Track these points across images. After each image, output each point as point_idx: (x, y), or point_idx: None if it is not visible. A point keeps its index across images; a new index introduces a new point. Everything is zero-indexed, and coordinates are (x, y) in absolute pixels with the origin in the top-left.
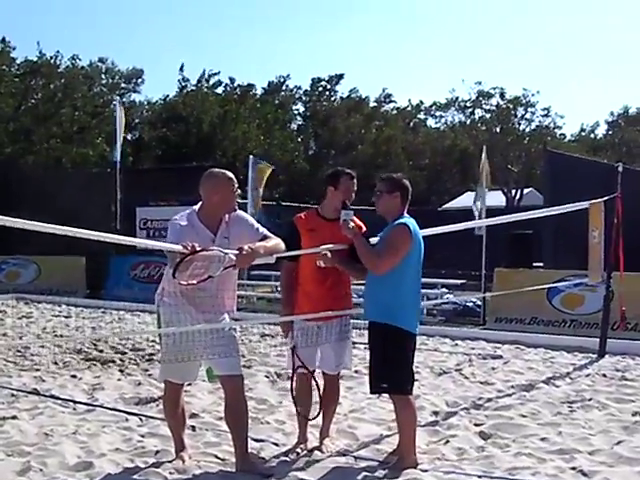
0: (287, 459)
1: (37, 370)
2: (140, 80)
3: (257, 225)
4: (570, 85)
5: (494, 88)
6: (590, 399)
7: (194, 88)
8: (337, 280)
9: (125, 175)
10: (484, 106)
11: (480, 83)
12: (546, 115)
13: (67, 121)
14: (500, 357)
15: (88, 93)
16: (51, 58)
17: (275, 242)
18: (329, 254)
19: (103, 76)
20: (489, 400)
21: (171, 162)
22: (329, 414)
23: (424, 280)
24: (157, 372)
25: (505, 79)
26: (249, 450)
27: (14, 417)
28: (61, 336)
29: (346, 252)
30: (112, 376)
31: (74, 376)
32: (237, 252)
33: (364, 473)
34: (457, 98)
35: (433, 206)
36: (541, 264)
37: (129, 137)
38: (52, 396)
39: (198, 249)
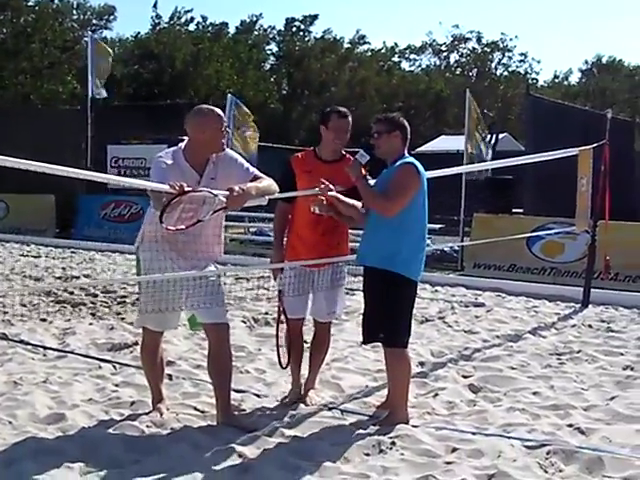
0: (270, 412)
1: (5, 313)
2: (112, 17)
3: (247, 165)
4: (544, 32)
5: (471, 32)
6: (579, 351)
7: (166, 26)
8: (332, 226)
9: (96, 112)
10: (460, 50)
11: (457, 26)
12: (523, 61)
13: (36, 56)
14: (483, 305)
15: (58, 28)
16: None
17: (267, 183)
18: (324, 200)
19: (74, 12)
20: (476, 350)
21: (143, 100)
22: (316, 364)
23: None
24: (131, 316)
25: (483, 23)
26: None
27: None
28: (30, 277)
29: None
30: (83, 320)
31: (44, 319)
32: (227, 193)
33: (353, 429)
34: (433, 41)
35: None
36: (521, 210)
37: None
38: (21, 341)
39: (187, 189)
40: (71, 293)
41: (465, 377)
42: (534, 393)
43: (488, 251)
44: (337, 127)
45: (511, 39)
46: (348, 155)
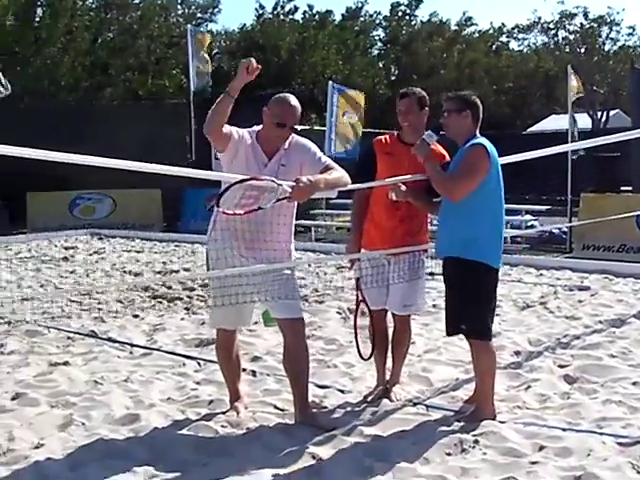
0: (352, 409)
1: (99, 310)
2: (217, 10)
3: (320, 154)
4: None
5: (577, 7)
6: None
7: (270, 16)
8: (411, 213)
9: (200, 105)
10: (567, 27)
11: (562, 2)
12: (632, 34)
13: (143, 52)
14: (587, 288)
15: (164, 24)
16: None
17: (338, 174)
18: (403, 187)
19: (179, 7)
20: (575, 338)
21: (250, 91)
22: (399, 358)
23: (507, 207)
24: None
25: None
26: (310, 398)
27: (66, 363)
28: (130, 272)
29: (422, 185)
30: (176, 315)
31: (136, 316)
32: (294, 184)
33: (436, 426)
34: (539, 19)
35: (517, 130)
36: (629, 188)
37: None
38: (109, 339)
39: (248, 177)
40: (169, 287)
41: (562, 367)
42: (634, 383)
43: (597, 231)
44: (398, 109)
45: (618, 12)
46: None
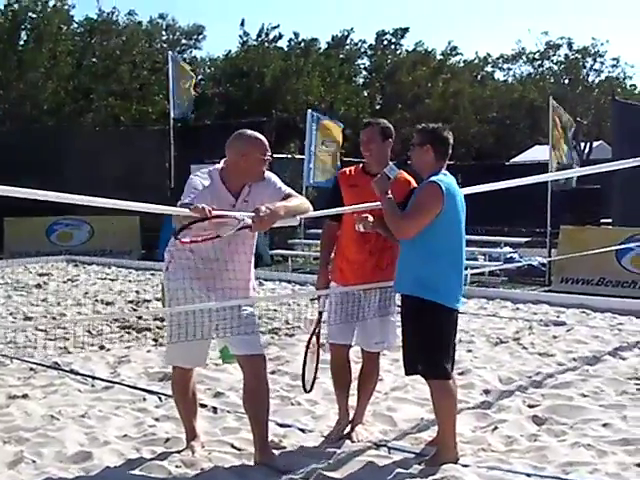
0: (312, 450)
1: (66, 340)
2: (201, 36)
3: (280, 184)
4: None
5: (561, 38)
6: None
7: (255, 43)
8: (381, 246)
9: (181, 132)
10: (552, 57)
11: (547, 33)
12: (615, 65)
13: (126, 78)
14: (563, 323)
15: (147, 49)
16: (108, 15)
17: (298, 201)
18: (370, 217)
19: (163, 32)
20: (548, 376)
21: (233, 118)
22: (365, 397)
23: (486, 239)
24: None
25: (573, 29)
26: (270, 438)
27: (25, 396)
28: (102, 301)
29: None
30: (143, 347)
31: (102, 347)
32: (253, 215)
33: (397, 469)
34: (524, 50)
35: (502, 160)
36: (609, 221)
37: None
38: (72, 371)
39: (213, 214)
40: (139, 317)
41: (531, 407)
42: (604, 425)
43: (576, 264)
44: (361, 138)
45: (602, 44)
46: (399, 170)
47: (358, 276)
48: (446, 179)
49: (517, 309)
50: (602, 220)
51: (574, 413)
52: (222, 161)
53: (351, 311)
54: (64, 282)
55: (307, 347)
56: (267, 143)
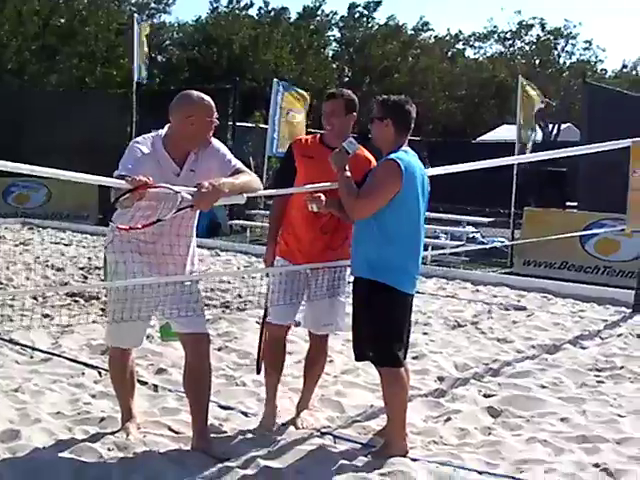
0: (253, 436)
1: (11, 307)
2: (171, 1)
3: (230, 157)
4: (610, 18)
5: (534, 18)
6: (621, 367)
7: (226, 10)
8: (334, 224)
9: (145, 97)
10: (524, 37)
11: (520, 12)
12: (587, 48)
13: (91, 40)
14: (524, 308)
15: (115, 11)
16: None
17: (246, 178)
18: (323, 197)
19: None
20: (505, 364)
21: (200, 85)
22: (311, 381)
23: (448, 217)
24: None
25: (546, 9)
26: (210, 421)
27: None
28: (52, 267)
29: None
30: (89, 316)
31: (47, 315)
32: (195, 190)
33: (341, 460)
34: (496, 28)
35: (469, 138)
36: (575, 204)
37: (159, 59)
38: (10, 340)
39: (146, 184)
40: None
41: (487, 396)
42: (562, 419)
43: (539, 247)
44: (323, 110)
45: (574, 26)
46: (358, 145)
47: (307, 256)
48: (406, 156)
49: (477, 291)
50: (567, 203)
51: (531, 405)
52: (166, 127)
53: (297, 290)
54: (16, 245)
55: (262, 327)
56: (214, 105)
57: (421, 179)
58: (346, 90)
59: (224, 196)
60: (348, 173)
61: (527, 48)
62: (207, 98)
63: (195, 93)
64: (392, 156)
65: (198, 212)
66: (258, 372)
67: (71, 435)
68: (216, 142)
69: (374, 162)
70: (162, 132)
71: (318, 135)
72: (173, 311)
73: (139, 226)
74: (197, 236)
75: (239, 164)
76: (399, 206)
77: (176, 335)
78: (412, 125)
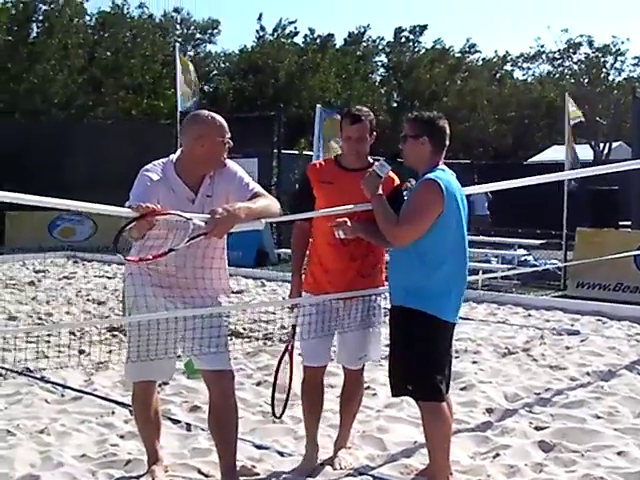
0: (287, 476)
1: (47, 342)
2: (216, 31)
3: (248, 180)
4: None
5: (581, 36)
6: None
7: (271, 38)
8: (363, 249)
9: None
10: (572, 56)
11: (567, 31)
12: (637, 64)
13: (137, 72)
14: (577, 333)
15: (161, 43)
16: (118, 8)
17: (264, 202)
18: (348, 222)
19: (178, 27)
20: (558, 393)
21: (247, 113)
22: (348, 418)
23: (499, 240)
24: None
25: (593, 26)
26: (243, 462)
27: None
28: (93, 300)
29: (372, 215)
30: (126, 351)
31: (82, 351)
32: (209, 217)
33: None
34: (543, 47)
35: (519, 160)
36: (628, 223)
37: (205, 88)
38: (42, 378)
39: (152, 210)
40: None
41: (538, 429)
42: (619, 453)
43: (593, 269)
44: (348, 136)
45: (622, 42)
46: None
47: (337, 286)
48: (444, 175)
49: (529, 316)
50: (621, 223)
51: (586, 438)
52: (178, 151)
53: (328, 326)
54: (59, 279)
55: (278, 366)
56: (226, 124)
57: (461, 199)
58: (364, 108)
59: (240, 222)
60: (383, 198)
61: (575, 67)
62: (218, 117)
63: (205, 112)
64: (430, 176)
65: (225, 240)
66: (275, 415)
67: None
68: (232, 164)
69: (397, 180)
70: (173, 157)
71: (332, 158)
72: (195, 347)
73: (150, 257)
74: (245, 266)
75: (257, 187)
76: (439, 229)
77: (200, 372)
78: (447, 142)
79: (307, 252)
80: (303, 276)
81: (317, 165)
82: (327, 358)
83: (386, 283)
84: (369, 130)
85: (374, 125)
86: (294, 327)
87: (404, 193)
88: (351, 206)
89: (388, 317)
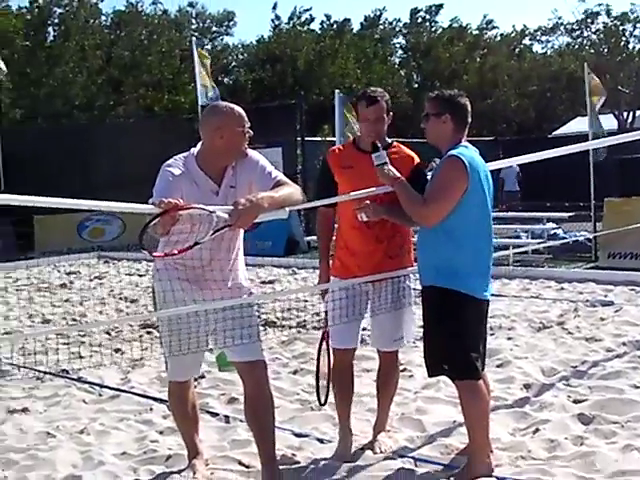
0: (328, 464)
1: (82, 343)
2: (232, 23)
3: (270, 169)
4: None
5: (599, 5)
6: None
7: (287, 27)
8: (388, 231)
9: None
10: (591, 26)
11: (584, 0)
12: None
13: (155, 68)
14: (611, 303)
15: (177, 38)
16: (133, 6)
17: (287, 191)
18: (369, 203)
19: (193, 21)
20: (595, 364)
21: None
22: (386, 401)
23: (528, 215)
24: None
25: None
26: (283, 451)
27: (24, 410)
28: (126, 299)
29: (394, 197)
30: (161, 348)
31: (118, 350)
32: (232, 208)
33: None
34: (560, 19)
35: (543, 133)
36: None
37: (225, 81)
38: (79, 379)
39: (175, 205)
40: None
41: (577, 402)
42: None
43: (623, 238)
44: (366, 117)
45: None
46: (396, 143)
47: (365, 269)
48: (467, 152)
49: (562, 289)
50: None
51: (625, 409)
52: (199, 144)
53: (359, 309)
54: (90, 280)
55: (318, 354)
56: (244, 114)
57: (485, 175)
58: (379, 89)
59: (264, 211)
60: (404, 181)
61: (594, 37)
62: (236, 108)
63: (223, 104)
64: (453, 152)
65: (242, 232)
66: (320, 403)
67: (136, 476)
68: (254, 153)
69: (417, 159)
70: (194, 150)
71: (350, 141)
72: (227, 339)
73: (175, 252)
74: (276, 256)
75: (280, 176)
76: (465, 206)
77: (232, 364)
78: (469, 119)
79: (333, 238)
80: (331, 262)
81: (336, 150)
82: (356, 341)
83: (415, 263)
84: (386, 110)
85: (390, 105)
86: (326, 313)
87: (428, 172)
88: (373, 189)
89: (420, 298)
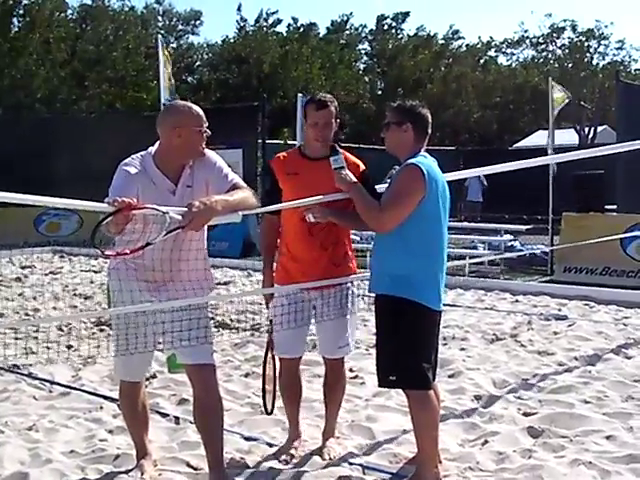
0: (275, 469)
1: (35, 339)
2: (198, 22)
3: (227, 171)
4: None
5: (565, 20)
6: None
7: (254, 29)
8: (333, 236)
9: None
10: (556, 41)
11: (550, 15)
12: (620, 48)
13: (120, 64)
14: (565, 318)
15: (143, 35)
16: (100, 0)
17: (242, 195)
18: (318, 205)
19: (160, 18)
20: (546, 378)
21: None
22: (334, 408)
23: (485, 226)
24: None
25: (576, 10)
26: (232, 455)
27: None
28: (80, 295)
29: (341, 204)
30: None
31: (70, 346)
32: (185, 210)
33: None
34: (527, 32)
35: (505, 145)
36: (614, 207)
37: (189, 80)
38: (29, 374)
39: (128, 204)
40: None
41: (527, 415)
42: (607, 437)
43: (579, 253)
44: (315, 122)
45: (606, 26)
46: (342, 150)
47: (310, 276)
48: (426, 161)
49: (516, 301)
50: (607, 207)
51: (574, 423)
52: (156, 143)
53: (302, 317)
54: (45, 275)
55: (264, 362)
56: (203, 114)
57: (442, 185)
58: (328, 95)
59: (217, 215)
60: (360, 185)
61: (559, 52)
62: (195, 107)
63: (181, 103)
64: (412, 161)
65: (205, 232)
66: (267, 412)
67: (83, 475)
68: (212, 154)
69: (362, 166)
70: (152, 149)
71: (297, 148)
72: (176, 341)
73: (127, 251)
74: (231, 257)
75: (237, 179)
76: (422, 214)
77: (182, 366)
78: (429, 130)
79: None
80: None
81: (281, 157)
82: (302, 350)
83: (358, 270)
84: (334, 116)
85: (338, 111)
86: (271, 322)
87: (387, 180)
88: (321, 197)
89: (373, 306)
